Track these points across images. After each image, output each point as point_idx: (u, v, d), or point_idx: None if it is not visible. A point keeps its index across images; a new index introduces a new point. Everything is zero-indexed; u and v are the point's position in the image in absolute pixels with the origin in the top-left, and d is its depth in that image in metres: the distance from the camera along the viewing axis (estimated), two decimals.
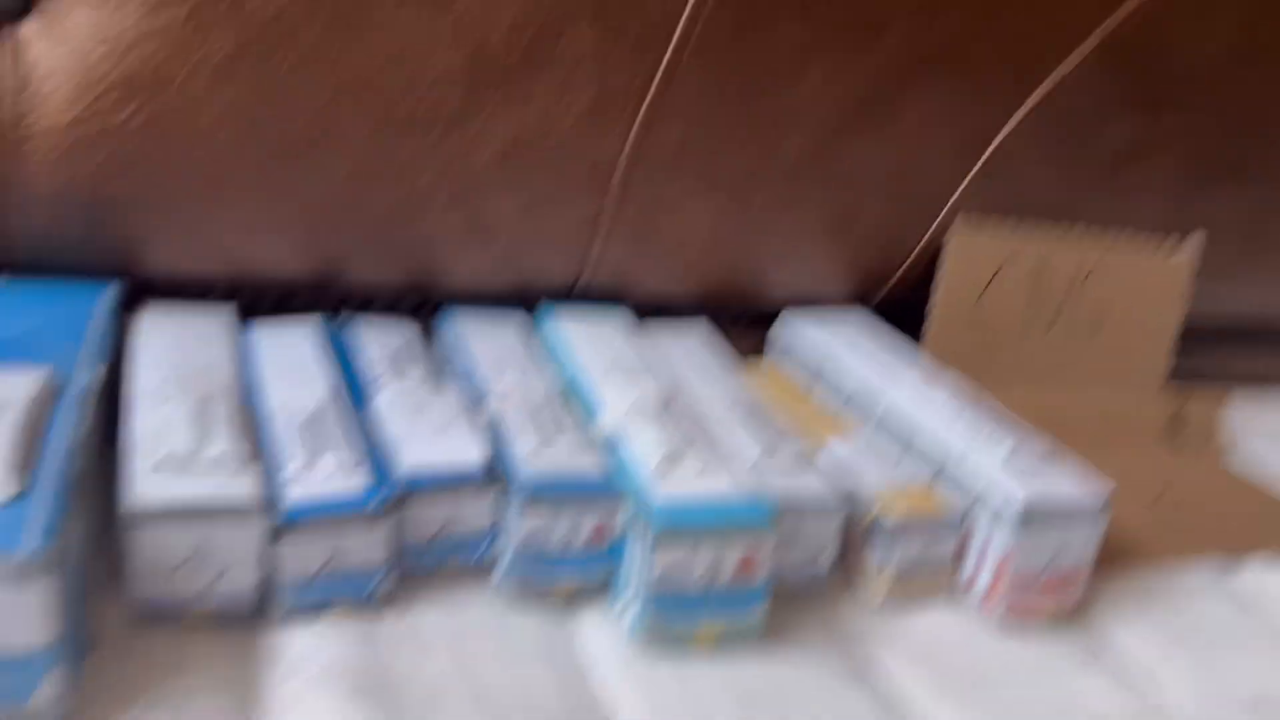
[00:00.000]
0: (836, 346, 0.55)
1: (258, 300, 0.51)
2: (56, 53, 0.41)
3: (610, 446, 0.43)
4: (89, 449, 0.38)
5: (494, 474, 0.41)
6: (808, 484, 0.44)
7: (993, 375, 0.63)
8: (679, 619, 0.40)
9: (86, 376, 0.39)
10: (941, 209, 0.58)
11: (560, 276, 0.55)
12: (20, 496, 0.32)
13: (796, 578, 0.44)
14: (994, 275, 0.62)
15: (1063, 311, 0.64)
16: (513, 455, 0.42)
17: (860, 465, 0.47)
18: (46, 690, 0.31)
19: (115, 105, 0.42)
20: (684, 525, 0.39)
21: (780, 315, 0.59)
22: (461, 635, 0.40)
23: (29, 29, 0.41)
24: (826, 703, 0.40)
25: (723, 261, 0.58)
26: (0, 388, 0.36)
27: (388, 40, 0.44)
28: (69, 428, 0.36)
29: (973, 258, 0.61)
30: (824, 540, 0.44)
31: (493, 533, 0.42)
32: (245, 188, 0.46)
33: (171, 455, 0.37)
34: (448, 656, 0.38)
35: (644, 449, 0.43)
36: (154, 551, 0.36)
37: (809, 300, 0.60)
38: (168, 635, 0.37)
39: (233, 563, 0.37)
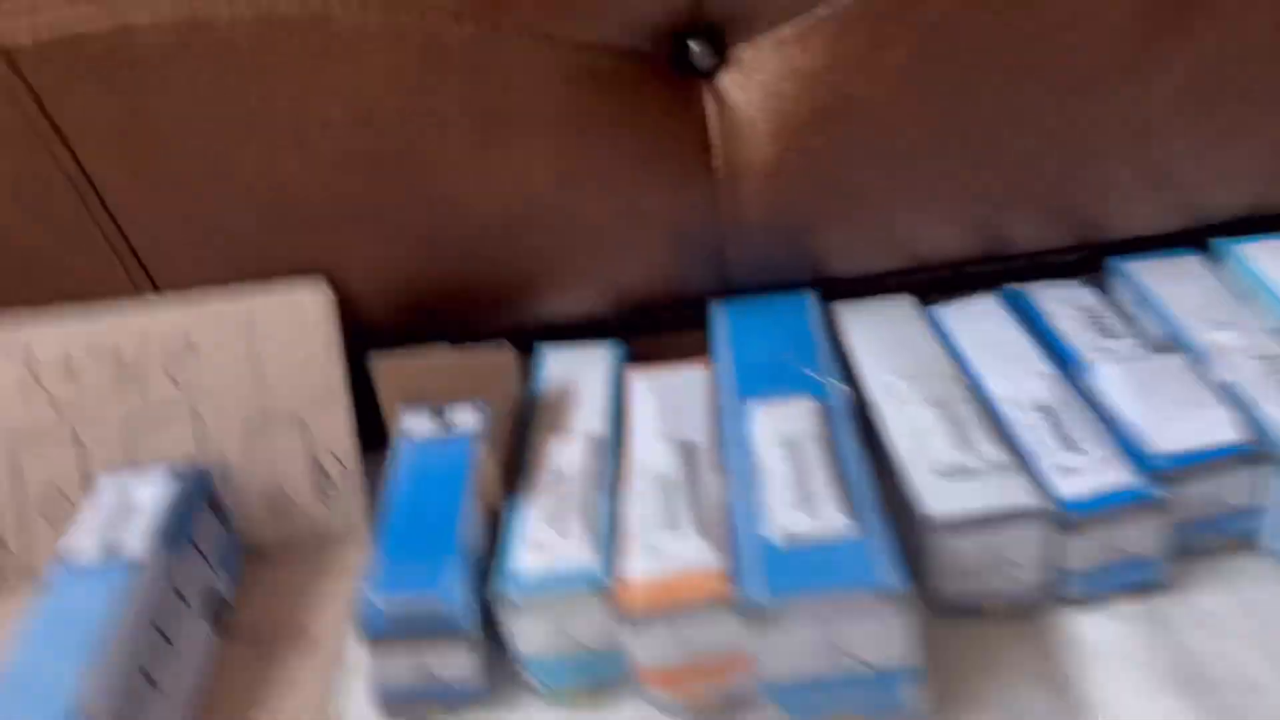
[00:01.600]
0: None
1: (930, 283, 0.53)
2: (753, 97, 0.45)
3: None
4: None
5: (1260, 448, 0.39)
6: None
7: None
8: None
9: (837, 393, 0.43)
10: None
11: (1233, 209, 0.51)
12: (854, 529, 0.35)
13: None
14: None
15: None
16: (1266, 419, 0.40)
17: None
18: (911, 697, 0.35)
19: (808, 133, 0.45)
20: None
21: None
22: (1253, 615, 0.39)
23: (727, 80, 0.45)
24: None
25: None
26: (781, 420, 0.41)
27: (1055, 7, 0.43)
28: (851, 449, 0.40)
29: None
30: None
31: (1254, 504, 0.40)
32: (923, 182, 0.47)
33: (946, 462, 0.39)
34: (1248, 641, 0.38)
35: None
36: (951, 554, 0.38)
37: None
38: (967, 629, 0.40)
39: (1021, 559, 0.39)
